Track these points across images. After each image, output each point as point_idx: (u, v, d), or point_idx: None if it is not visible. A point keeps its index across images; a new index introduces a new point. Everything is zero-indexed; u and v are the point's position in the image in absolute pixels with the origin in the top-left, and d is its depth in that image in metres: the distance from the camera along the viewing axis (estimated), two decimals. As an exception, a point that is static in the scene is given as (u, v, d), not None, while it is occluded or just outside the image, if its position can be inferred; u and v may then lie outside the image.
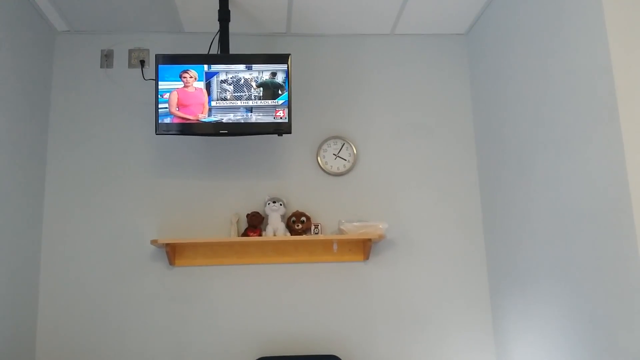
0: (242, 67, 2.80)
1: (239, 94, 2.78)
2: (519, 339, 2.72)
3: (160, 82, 2.79)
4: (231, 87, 2.79)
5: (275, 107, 2.80)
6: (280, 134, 2.83)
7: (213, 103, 2.78)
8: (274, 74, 2.80)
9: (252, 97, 2.78)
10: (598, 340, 2.05)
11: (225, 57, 2.83)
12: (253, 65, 2.81)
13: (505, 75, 2.82)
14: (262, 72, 2.81)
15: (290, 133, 2.81)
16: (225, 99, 2.78)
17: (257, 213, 2.98)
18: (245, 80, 2.79)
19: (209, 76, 2.80)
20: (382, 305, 3.04)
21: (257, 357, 2.93)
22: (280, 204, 2.98)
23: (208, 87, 2.79)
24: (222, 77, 2.80)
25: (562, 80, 2.27)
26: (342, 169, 3.14)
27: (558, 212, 2.32)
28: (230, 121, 2.78)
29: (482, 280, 3.10)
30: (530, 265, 2.58)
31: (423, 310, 3.04)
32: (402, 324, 3.02)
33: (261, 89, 2.79)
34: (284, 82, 2.81)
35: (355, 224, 2.94)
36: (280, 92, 2.80)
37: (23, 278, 2.78)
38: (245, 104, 2.79)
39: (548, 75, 2.39)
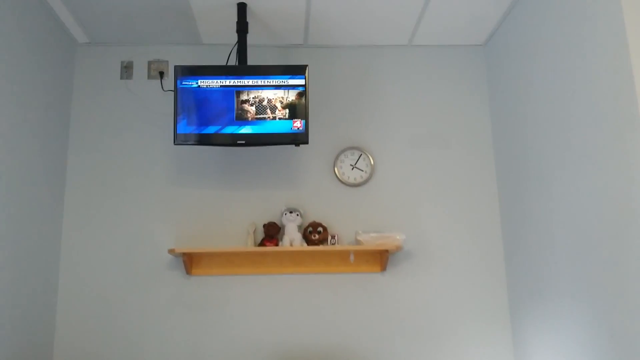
0: (263, 82, 2.81)
1: (262, 115, 2.79)
2: (539, 354, 2.67)
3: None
4: (253, 107, 2.79)
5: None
6: (297, 145, 2.84)
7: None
8: (300, 95, 2.80)
9: (277, 118, 2.80)
10: (619, 357, 2.01)
11: (243, 68, 2.85)
12: (274, 79, 2.81)
13: (524, 87, 2.80)
14: (288, 92, 2.81)
15: (307, 143, 2.82)
16: (246, 119, 2.79)
17: (274, 223, 2.98)
18: (269, 100, 2.80)
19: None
20: (399, 317, 3.01)
21: (273, 368, 2.92)
22: (297, 214, 2.97)
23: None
24: (244, 97, 2.81)
25: (583, 92, 2.25)
26: (359, 180, 3.14)
27: (579, 226, 2.29)
28: (248, 132, 2.80)
29: (501, 294, 3.06)
30: (551, 279, 2.54)
31: (441, 323, 3.01)
32: (419, 336, 2.99)
33: (287, 110, 2.80)
34: (303, 95, 2.82)
35: (372, 234, 2.92)
36: (304, 109, 2.81)
37: (42, 286, 2.80)
38: (265, 119, 2.81)
39: (568, 87, 2.37)
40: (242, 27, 2.93)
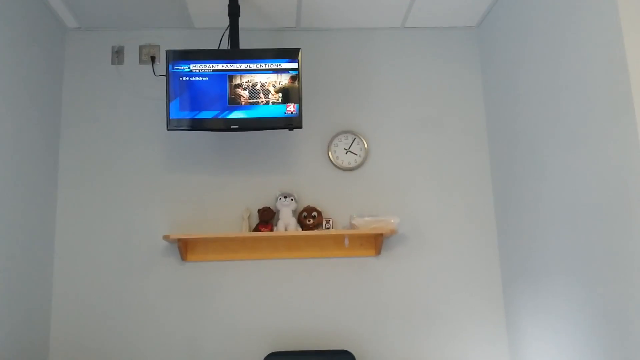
0: (255, 66, 2.79)
1: (255, 100, 2.77)
2: (532, 333, 2.70)
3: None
4: (246, 92, 2.77)
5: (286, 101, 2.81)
6: (291, 129, 2.83)
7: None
8: (293, 78, 2.78)
9: (270, 103, 2.78)
10: (611, 334, 2.03)
11: (235, 52, 2.82)
12: (266, 62, 2.79)
13: (517, 68, 2.79)
14: (281, 76, 2.79)
15: (301, 128, 2.81)
16: (239, 104, 2.77)
17: (269, 208, 2.98)
18: (262, 84, 2.78)
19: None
20: (394, 300, 3.03)
21: (269, 352, 2.93)
22: (292, 199, 2.97)
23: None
24: (237, 81, 2.78)
25: (576, 72, 2.25)
26: (353, 164, 3.13)
27: (571, 207, 2.30)
28: (241, 116, 2.78)
29: (494, 275, 3.08)
30: (543, 260, 2.56)
31: (435, 305, 3.03)
32: (414, 318, 3.02)
33: (280, 94, 2.78)
34: (296, 78, 2.81)
35: (366, 218, 2.93)
36: (297, 93, 2.80)
37: (37, 276, 2.80)
38: (258, 104, 2.79)
39: (561, 68, 2.36)
40: (234, 11, 2.90)
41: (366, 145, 3.15)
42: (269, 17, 3.13)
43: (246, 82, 2.80)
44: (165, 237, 2.82)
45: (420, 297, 3.04)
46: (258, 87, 2.80)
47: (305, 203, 3.08)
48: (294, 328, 2.98)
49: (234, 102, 2.79)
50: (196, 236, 2.83)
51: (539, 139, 2.58)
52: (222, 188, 3.09)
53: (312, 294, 3.02)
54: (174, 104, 2.78)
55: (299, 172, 3.13)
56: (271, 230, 2.95)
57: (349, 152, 3.14)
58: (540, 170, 2.58)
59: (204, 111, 2.78)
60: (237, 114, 2.78)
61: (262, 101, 2.79)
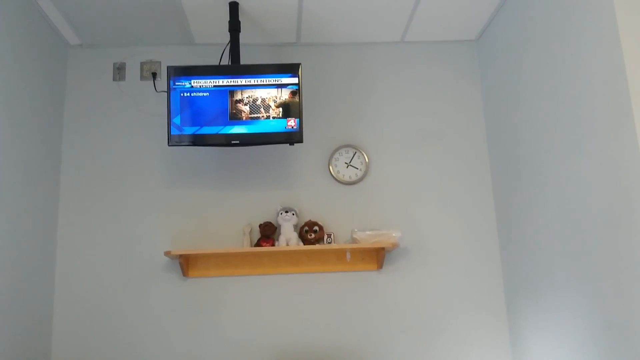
0: (256, 82, 2.80)
1: (256, 115, 2.78)
2: (536, 345, 2.68)
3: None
4: (247, 107, 2.78)
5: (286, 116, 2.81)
6: (291, 144, 2.84)
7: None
8: (294, 93, 2.79)
9: (270, 117, 2.79)
10: (616, 347, 2.01)
11: (236, 67, 2.84)
12: (267, 78, 2.80)
13: (517, 81, 2.80)
14: (282, 91, 2.80)
15: (301, 142, 2.81)
16: (239, 119, 2.78)
17: (270, 223, 2.98)
18: (263, 100, 2.79)
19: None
20: (396, 314, 3.01)
21: (272, 368, 2.92)
22: (293, 214, 2.97)
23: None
24: (238, 96, 2.80)
25: (575, 83, 2.25)
26: (354, 178, 3.13)
27: (573, 218, 2.29)
28: (242, 132, 2.79)
29: (497, 288, 3.06)
30: (547, 272, 2.54)
31: (438, 320, 3.01)
32: (417, 333, 2.99)
33: (281, 109, 2.79)
34: (296, 93, 2.82)
35: (368, 232, 2.92)
36: (298, 108, 2.80)
37: (38, 290, 2.79)
38: (258, 119, 2.80)
39: (560, 80, 2.37)
40: (235, 27, 2.92)
41: (367, 159, 3.15)
42: (269, 32, 3.15)
43: (247, 98, 2.81)
44: (167, 253, 2.82)
45: (423, 311, 3.02)
46: (259, 102, 2.81)
47: (307, 217, 3.08)
48: (296, 343, 2.96)
49: (235, 118, 2.80)
50: (197, 252, 2.82)
51: (540, 150, 2.57)
52: (223, 203, 3.09)
53: (314, 309, 3.00)
54: (176, 120, 2.79)
55: (300, 187, 3.13)
56: (272, 245, 2.94)
57: (349, 166, 3.14)
58: (541, 180, 2.57)
59: (205, 126, 2.79)
60: (238, 129, 2.79)
61: (262, 116, 2.80)
